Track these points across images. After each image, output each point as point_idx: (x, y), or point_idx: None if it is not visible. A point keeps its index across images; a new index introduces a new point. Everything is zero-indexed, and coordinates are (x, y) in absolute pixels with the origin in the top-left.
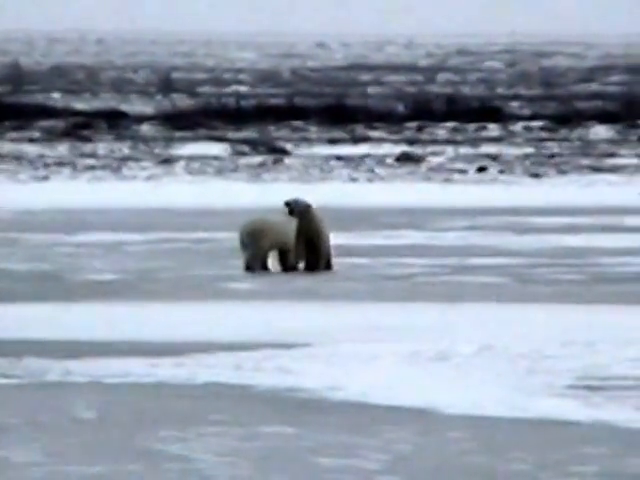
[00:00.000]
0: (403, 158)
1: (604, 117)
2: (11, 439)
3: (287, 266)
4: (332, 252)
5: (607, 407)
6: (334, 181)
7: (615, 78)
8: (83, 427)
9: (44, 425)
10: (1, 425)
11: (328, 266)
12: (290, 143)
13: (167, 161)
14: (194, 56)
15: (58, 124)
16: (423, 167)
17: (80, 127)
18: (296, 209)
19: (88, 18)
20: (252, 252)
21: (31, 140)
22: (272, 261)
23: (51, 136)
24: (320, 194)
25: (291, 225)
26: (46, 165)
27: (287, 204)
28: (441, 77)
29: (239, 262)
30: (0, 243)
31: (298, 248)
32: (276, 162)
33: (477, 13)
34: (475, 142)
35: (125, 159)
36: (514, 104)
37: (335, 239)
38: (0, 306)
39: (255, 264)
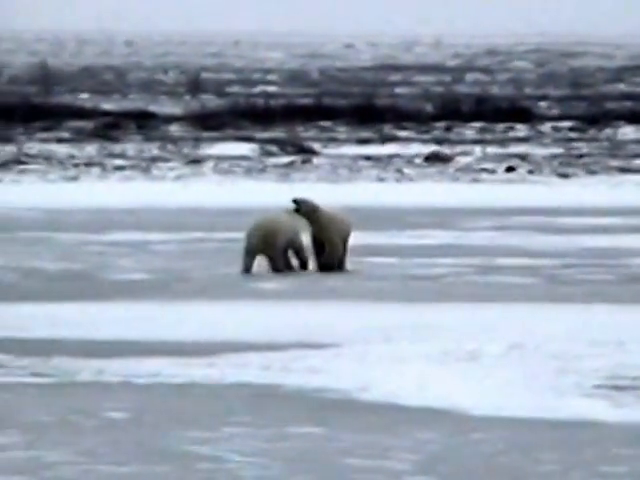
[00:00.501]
0: (431, 158)
1: (633, 117)
2: (43, 439)
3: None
4: (347, 253)
5: (637, 407)
6: (362, 181)
7: None
8: (114, 427)
9: (75, 425)
10: (33, 425)
11: (340, 266)
12: (318, 143)
13: (196, 161)
14: (223, 56)
15: (87, 125)
16: (451, 167)
17: (109, 127)
18: (303, 209)
19: (117, 19)
20: (271, 254)
21: (60, 140)
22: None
23: (80, 136)
24: (348, 194)
25: (300, 222)
26: (75, 165)
27: (295, 202)
28: (469, 77)
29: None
30: (30, 242)
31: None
32: (304, 162)
33: (506, 13)
34: (503, 142)
35: (154, 159)
36: (543, 104)
37: (363, 239)
38: (30, 305)
39: (279, 265)
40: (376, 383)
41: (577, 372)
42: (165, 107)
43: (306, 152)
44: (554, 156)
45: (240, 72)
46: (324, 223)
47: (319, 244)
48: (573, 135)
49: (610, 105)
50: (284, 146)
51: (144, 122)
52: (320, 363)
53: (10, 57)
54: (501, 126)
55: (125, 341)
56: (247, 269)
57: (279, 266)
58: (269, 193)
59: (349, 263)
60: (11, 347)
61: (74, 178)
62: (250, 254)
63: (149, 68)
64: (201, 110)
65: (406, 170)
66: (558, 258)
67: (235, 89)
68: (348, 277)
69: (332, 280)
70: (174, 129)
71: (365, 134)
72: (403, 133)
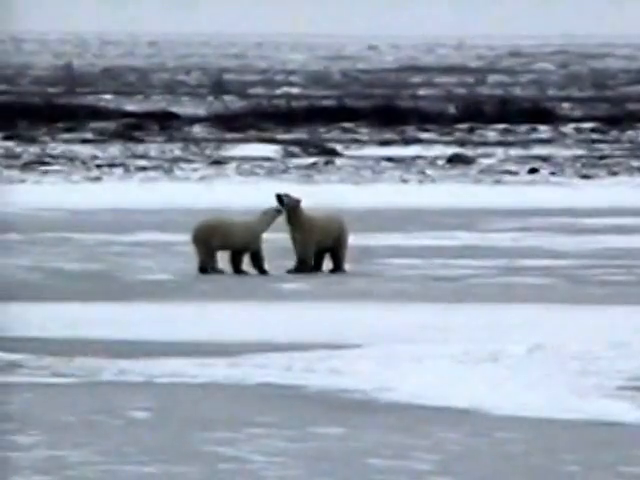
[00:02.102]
0: (454, 160)
1: None
2: (65, 439)
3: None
4: (342, 255)
5: None
6: (385, 183)
7: None
8: (137, 427)
9: (98, 425)
10: (55, 425)
11: (338, 268)
12: (341, 144)
13: (218, 162)
14: (245, 58)
15: (110, 125)
16: (474, 169)
17: (132, 128)
18: (286, 203)
19: (140, 20)
20: (203, 252)
21: (83, 141)
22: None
23: (103, 137)
24: (371, 195)
25: (255, 226)
26: (98, 166)
27: (278, 197)
28: (492, 78)
29: (291, 263)
30: (53, 243)
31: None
32: (327, 163)
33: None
34: (526, 144)
35: (176, 160)
36: (565, 105)
37: (385, 240)
38: (53, 305)
39: (208, 264)
40: (398, 383)
41: (598, 373)
42: (188, 108)
43: (328, 153)
44: (576, 157)
45: (263, 73)
46: (301, 222)
47: (295, 239)
48: (595, 136)
49: (633, 106)
50: (306, 147)
51: (167, 123)
52: (342, 364)
53: (34, 58)
54: (524, 128)
55: (147, 341)
56: (202, 269)
57: (208, 266)
58: (291, 194)
59: (348, 264)
60: (33, 347)
61: (97, 179)
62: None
63: (172, 69)
64: (224, 111)
65: (428, 172)
66: (580, 259)
67: (258, 90)
68: (371, 278)
69: (355, 281)
70: (197, 130)
71: (387, 135)
72: (425, 135)
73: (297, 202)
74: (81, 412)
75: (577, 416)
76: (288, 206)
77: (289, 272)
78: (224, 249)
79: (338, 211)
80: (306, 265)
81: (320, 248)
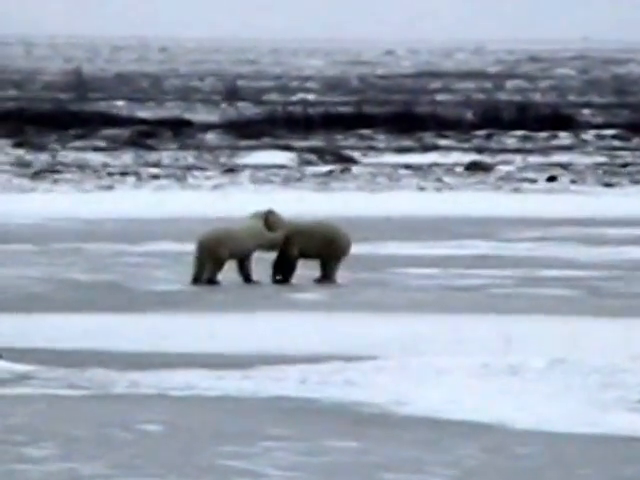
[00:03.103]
0: (472, 167)
1: None
2: (77, 451)
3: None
4: (334, 266)
5: None
6: (402, 190)
7: None
8: (149, 440)
9: (110, 437)
10: (67, 437)
11: (327, 278)
12: (358, 152)
13: (232, 170)
14: (260, 64)
15: (122, 133)
16: (492, 176)
17: (144, 136)
18: (269, 219)
19: (152, 25)
20: (211, 264)
21: (95, 149)
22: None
23: (115, 145)
24: (388, 203)
25: (250, 233)
26: (110, 174)
27: (268, 212)
28: (511, 84)
29: (307, 272)
30: (64, 253)
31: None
32: (343, 171)
33: (548, 19)
34: (546, 151)
35: (190, 168)
36: (586, 112)
37: (402, 249)
38: (64, 316)
39: (214, 276)
40: (415, 397)
41: (620, 386)
42: (201, 115)
43: (345, 161)
44: (597, 165)
45: (278, 79)
46: (288, 234)
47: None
48: (617, 143)
49: None
50: (323, 155)
51: (180, 130)
52: (358, 376)
53: (44, 63)
54: (543, 134)
55: (160, 353)
56: (195, 279)
57: (214, 277)
58: (307, 203)
59: (340, 277)
60: (45, 358)
61: (109, 187)
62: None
63: (185, 75)
64: (238, 118)
65: (446, 179)
66: (601, 270)
67: (273, 97)
68: (387, 288)
69: (370, 291)
70: (210, 137)
71: (405, 142)
72: (443, 141)
73: (279, 220)
74: (93, 425)
75: (599, 430)
76: (269, 223)
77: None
78: (233, 258)
79: (343, 220)
80: (285, 274)
81: (302, 255)
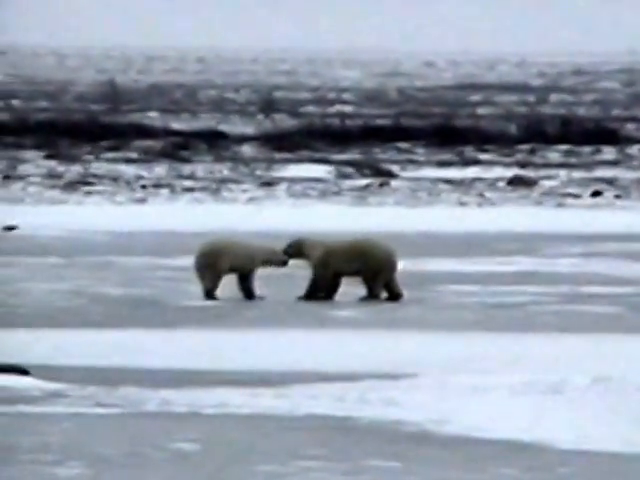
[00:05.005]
0: (515, 182)
1: None
2: (108, 471)
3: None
4: (376, 283)
5: None
6: (442, 205)
7: None
8: (183, 459)
9: (142, 457)
10: (98, 456)
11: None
12: (396, 165)
13: (268, 183)
14: (297, 75)
15: (156, 144)
16: (535, 191)
17: (178, 147)
18: (291, 251)
19: (188, 36)
20: (210, 276)
21: (128, 161)
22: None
23: (148, 157)
24: (427, 219)
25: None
26: (143, 187)
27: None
28: (554, 97)
29: (344, 289)
30: (96, 267)
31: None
32: (382, 185)
33: (592, 31)
34: (590, 165)
35: (225, 181)
36: (631, 126)
37: (443, 266)
38: (96, 332)
39: (213, 289)
40: (455, 415)
41: None
42: (237, 127)
43: (383, 175)
44: None
45: (315, 91)
46: (313, 252)
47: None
48: None
49: None
50: (361, 168)
51: (215, 142)
52: (397, 394)
53: (77, 74)
54: (587, 149)
55: (193, 370)
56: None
57: (213, 292)
58: (345, 217)
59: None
60: (75, 376)
61: (142, 200)
62: (199, 276)
63: (220, 86)
64: (274, 130)
65: (488, 194)
66: None
67: (309, 109)
68: (426, 305)
69: (409, 308)
70: (246, 150)
71: (445, 156)
72: (485, 155)
73: (300, 243)
74: (124, 444)
75: None
76: (293, 253)
77: (300, 299)
78: (232, 272)
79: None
80: (315, 292)
81: (338, 273)
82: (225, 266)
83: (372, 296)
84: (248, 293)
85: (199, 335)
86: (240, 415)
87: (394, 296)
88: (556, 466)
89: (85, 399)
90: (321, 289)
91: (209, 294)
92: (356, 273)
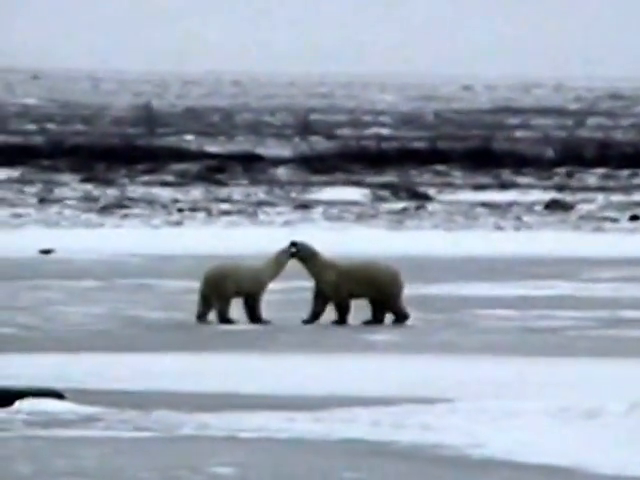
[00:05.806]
0: (552, 205)
1: None
2: None
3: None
4: (380, 306)
5: None
6: (479, 229)
7: None
8: None
9: None
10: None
11: (378, 320)
12: (433, 188)
13: (304, 206)
14: (333, 97)
15: (192, 167)
16: (573, 215)
17: (214, 171)
18: (300, 253)
19: (225, 60)
20: (217, 301)
21: (164, 184)
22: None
23: (185, 180)
24: (464, 242)
25: (261, 271)
26: (180, 210)
27: (293, 244)
28: (592, 121)
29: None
30: (132, 290)
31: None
32: (418, 208)
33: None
34: (628, 189)
35: (261, 204)
36: None
37: (480, 290)
38: (131, 356)
39: (225, 313)
40: (491, 440)
41: None
42: (273, 149)
43: (420, 198)
44: None
45: (351, 113)
46: (320, 270)
47: (317, 292)
48: None
49: None
50: (397, 191)
51: (251, 165)
52: (433, 419)
53: (113, 98)
54: (625, 172)
55: (229, 394)
56: (200, 316)
57: (225, 315)
58: (381, 240)
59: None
60: (111, 400)
61: (178, 223)
62: (202, 300)
63: (256, 109)
64: (310, 153)
65: (525, 218)
66: None
67: (345, 131)
68: (462, 329)
69: (446, 332)
70: (282, 172)
71: (482, 179)
72: (522, 179)
73: (312, 253)
74: (160, 468)
75: None
76: (301, 257)
77: (304, 322)
78: (238, 296)
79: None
80: (340, 316)
81: (354, 296)
82: (231, 290)
83: (377, 320)
84: (253, 316)
85: (235, 359)
86: (277, 439)
87: (401, 317)
88: None
89: (120, 423)
90: (347, 311)
91: (222, 319)
92: (364, 296)
